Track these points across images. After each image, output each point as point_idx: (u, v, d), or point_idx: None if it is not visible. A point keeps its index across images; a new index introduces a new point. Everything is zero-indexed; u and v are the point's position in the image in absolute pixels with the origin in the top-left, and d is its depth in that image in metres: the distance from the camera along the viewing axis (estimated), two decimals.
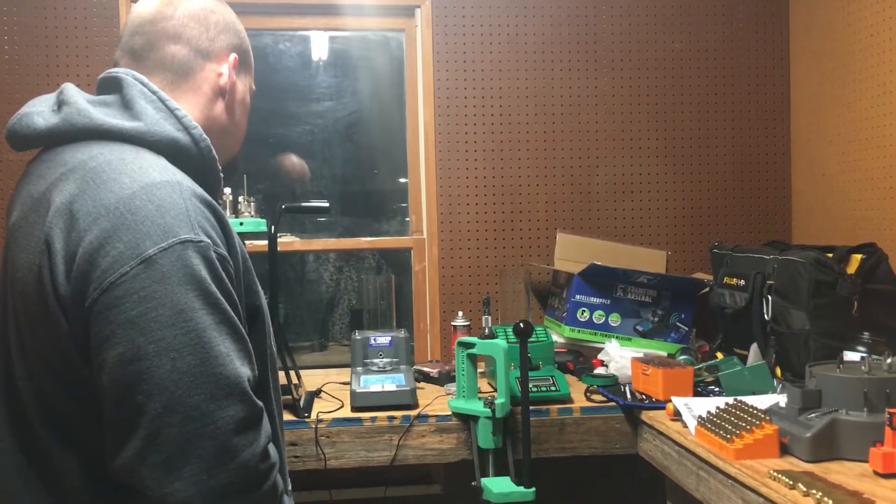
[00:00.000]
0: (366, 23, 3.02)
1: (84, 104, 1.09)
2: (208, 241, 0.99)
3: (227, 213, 2.20)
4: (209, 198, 1.06)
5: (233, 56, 1.23)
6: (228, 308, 0.99)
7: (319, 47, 3.12)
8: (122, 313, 0.94)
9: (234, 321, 1.00)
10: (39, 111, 1.11)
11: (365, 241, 3.06)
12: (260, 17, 2.92)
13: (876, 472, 1.50)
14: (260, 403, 1.01)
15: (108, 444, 0.97)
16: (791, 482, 1.46)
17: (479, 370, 2.24)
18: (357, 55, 3.15)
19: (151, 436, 0.93)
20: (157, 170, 1.03)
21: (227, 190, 2.20)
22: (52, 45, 2.78)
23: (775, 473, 1.50)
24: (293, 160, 3.07)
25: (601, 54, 3.03)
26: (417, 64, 3.00)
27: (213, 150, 1.14)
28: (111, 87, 1.14)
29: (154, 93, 1.12)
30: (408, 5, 2.98)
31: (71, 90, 1.12)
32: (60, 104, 1.11)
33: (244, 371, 0.99)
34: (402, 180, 3.08)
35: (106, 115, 1.09)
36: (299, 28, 3.04)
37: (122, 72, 1.14)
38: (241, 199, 2.21)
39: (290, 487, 1.23)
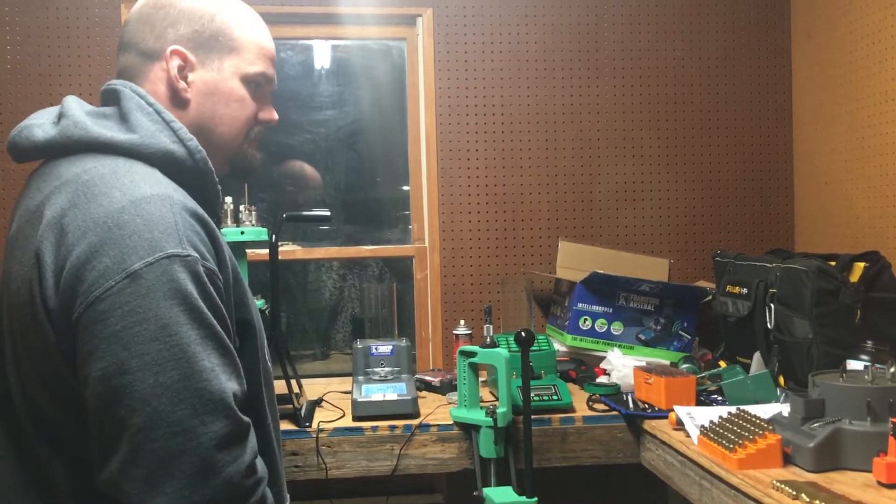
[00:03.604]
0: (367, 32, 3.02)
1: (82, 116, 1.09)
2: (196, 255, 0.99)
3: (229, 221, 2.20)
4: (201, 211, 1.05)
5: (172, 48, 1.15)
6: (215, 322, 0.99)
7: (321, 56, 3.13)
8: (107, 328, 0.93)
9: (220, 336, 0.99)
10: (40, 123, 1.12)
11: (366, 250, 3.06)
12: None
13: (879, 483, 1.49)
14: (246, 419, 1.00)
15: (94, 458, 0.97)
16: (794, 492, 1.45)
17: (480, 379, 2.23)
18: (359, 64, 3.15)
19: (134, 450, 0.92)
20: (149, 183, 1.02)
21: (229, 199, 2.20)
22: (53, 54, 2.79)
23: (778, 483, 1.49)
24: (309, 169, 3.08)
25: (603, 62, 3.04)
26: (419, 72, 3.00)
27: (210, 163, 1.14)
28: (110, 99, 1.15)
29: (151, 105, 1.12)
30: (409, 14, 2.98)
31: (71, 103, 1.12)
32: (60, 117, 1.11)
33: (229, 386, 0.98)
34: (404, 188, 3.08)
35: (102, 127, 1.09)
36: (301, 37, 3.05)
37: (120, 84, 1.15)
38: (242, 207, 2.21)
39: (287, 502, 1.22)
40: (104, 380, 0.93)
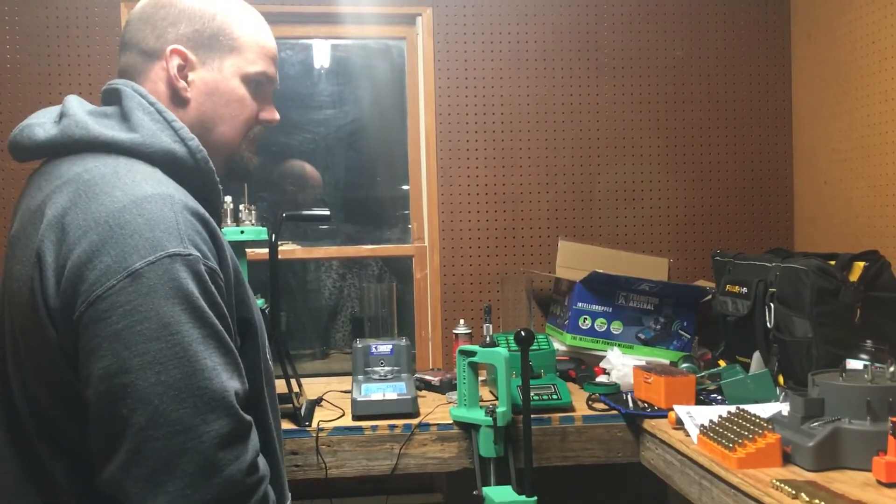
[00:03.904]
0: (367, 31, 3.02)
1: (83, 116, 1.10)
2: (198, 254, 0.99)
3: (228, 220, 2.20)
4: (202, 211, 1.05)
5: (172, 48, 1.15)
6: (216, 322, 0.99)
7: (321, 55, 3.13)
8: (108, 326, 0.93)
9: (221, 335, 0.99)
10: (41, 123, 1.12)
11: (366, 249, 3.06)
12: None
13: (879, 482, 1.49)
14: (248, 417, 1.00)
15: (95, 457, 0.97)
16: (794, 492, 1.45)
17: (480, 378, 2.23)
18: (359, 63, 3.15)
19: (136, 450, 0.92)
20: (150, 183, 1.02)
21: (228, 198, 2.20)
22: (53, 53, 2.79)
23: (778, 483, 1.49)
24: (309, 168, 3.08)
25: (602, 62, 3.04)
26: (419, 72, 3.00)
27: (210, 162, 1.14)
28: (112, 98, 1.15)
29: (152, 104, 1.12)
30: (409, 13, 2.98)
31: (72, 102, 1.13)
32: (61, 116, 1.11)
33: (231, 385, 0.98)
34: (404, 188, 3.09)
35: (104, 126, 1.09)
36: (301, 36, 3.05)
37: (121, 83, 1.15)
38: (242, 207, 2.21)
39: (288, 501, 1.22)
40: (106, 378, 0.93)
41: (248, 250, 2.29)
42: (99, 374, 0.94)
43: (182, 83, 1.17)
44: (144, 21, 1.18)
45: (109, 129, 1.08)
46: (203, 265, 0.99)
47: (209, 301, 0.99)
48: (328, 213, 2.36)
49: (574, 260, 2.90)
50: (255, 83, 1.22)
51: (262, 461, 1.03)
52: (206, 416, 0.94)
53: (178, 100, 1.17)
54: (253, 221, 2.22)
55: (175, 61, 1.16)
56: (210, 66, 1.18)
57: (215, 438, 0.94)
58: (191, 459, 0.93)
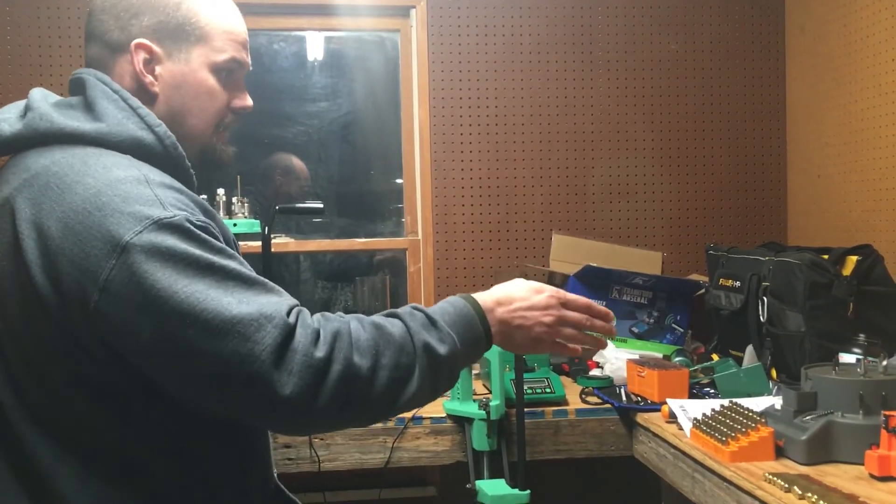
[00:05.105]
0: (361, 23, 3.01)
1: (47, 108, 1.08)
2: (182, 213, 0.98)
3: (221, 213, 2.19)
4: (182, 187, 1.05)
5: (136, 42, 1.12)
6: (219, 260, 0.98)
7: (315, 48, 3.11)
8: (122, 308, 0.95)
9: (232, 270, 0.98)
10: (6, 118, 1.10)
11: (359, 242, 3.05)
12: (255, 17, 2.90)
13: (871, 475, 1.49)
14: (291, 319, 0.98)
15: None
16: (786, 485, 1.45)
17: (473, 372, 2.23)
18: (352, 55, 3.14)
19: (219, 391, 0.98)
20: (121, 167, 1.02)
21: (221, 191, 2.19)
22: (45, 45, 2.77)
23: (770, 476, 1.49)
24: (297, 162, 3.06)
25: (597, 55, 3.03)
26: (412, 64, 2.99)
27: (180, 148, 1.12)
28: (77, 88, 1.13)
29: (116, 92, 1.10)
30: (403, 5, 2.97)
31: (36, 95, 1.11)
32: (26, 110, 1.10)
33: (263, 301, 0.97)
34: (398, 181, 3.08)
35: (68, 117, 1.07)
36: (294, 28, 3.03)
37: (85, 72, 1.13)
38: (234, 200, 2.21)
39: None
40: (148, 350, 0.96)
41: (241, 243, 2.28)
42: (139, 348, 0.96)
43: (149, 78, 1.14)
44: (106, 12, 1.14)
45: (74, 120, 1.07)
46: (189, 222, 0.98)
47: (206, 247, 0.98)
48: (321, 205, 2.35)
49: (568, 253, 2.90)
50: (225, 72, 1.18)
51: (324, 328, 1.00)
52: (256, 336, 0.94)
53: (146, 95, 1.13)
54: (246, 214, 2.21)
55: (141, 56, 1.13)
56: (177, 57, 1.15)
57: (273, 350, 0.94)
58: (259, 378, 0.94)
